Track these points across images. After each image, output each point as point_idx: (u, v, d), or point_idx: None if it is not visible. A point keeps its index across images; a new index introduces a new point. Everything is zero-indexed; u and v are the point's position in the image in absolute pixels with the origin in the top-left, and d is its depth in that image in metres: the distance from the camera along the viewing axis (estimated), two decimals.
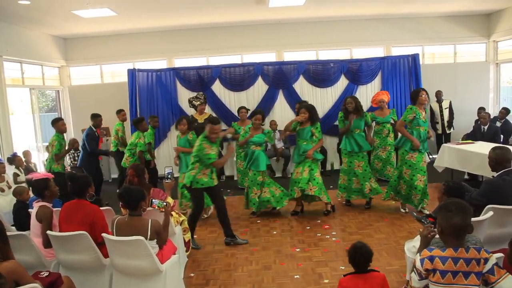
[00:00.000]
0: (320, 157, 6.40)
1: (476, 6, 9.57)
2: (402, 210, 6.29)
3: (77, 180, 3.92)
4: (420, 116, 5.88)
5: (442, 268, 2.32)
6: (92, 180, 4.03)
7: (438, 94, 9.66)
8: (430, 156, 9.50)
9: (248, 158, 6.49)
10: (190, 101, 8.60)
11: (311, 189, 6.09)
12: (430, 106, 9.69)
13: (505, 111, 8.76)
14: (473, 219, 2.47)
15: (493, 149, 4.03)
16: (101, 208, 4.10)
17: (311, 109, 6.22)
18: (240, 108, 8.14)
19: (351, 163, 6.50)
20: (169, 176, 4.69)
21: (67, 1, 7.08)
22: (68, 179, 3.99)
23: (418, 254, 2.46)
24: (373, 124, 7.75)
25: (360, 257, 2.89)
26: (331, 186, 7.70)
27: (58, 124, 6.87)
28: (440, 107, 9.68)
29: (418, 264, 2.40)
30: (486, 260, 2.32)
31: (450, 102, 9.69)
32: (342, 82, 9.72)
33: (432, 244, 2.64)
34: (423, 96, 5.87)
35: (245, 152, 6.69)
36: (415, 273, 2.47)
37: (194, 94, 9.18)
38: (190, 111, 9.17)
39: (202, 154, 5.10)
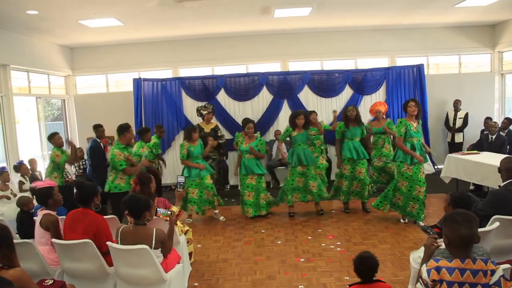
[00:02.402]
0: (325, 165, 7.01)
1: (481, 17, 9.60)
2: (402, 221, 6.29)
3: (84, 189, 3.92)
4: (410, 127, 5.92)
5: (449, 279, 2.30)
6: (98, 190, 4.03)
7: (456, 103, 9.80)
8: (436, 167, 9.48)
9: (244, 166, 6.90)
10: (198, 110, 8.61)
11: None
12: (447, 113, 9.98)
13: (508, 121, 8.72)
14: (479, 229, 2.45)
15: (502, 158, 4.03)
16: (105, 216, 4.11)
17: (306, 116, 6.89)
18: (249, 122, 7.22)
19: (353, 169, 6.75)
20: (181, 185, 4.61)
21: (74, 11, 7.15)
22: (75, 187, 4.00)
23: (425, 264, 2.45)
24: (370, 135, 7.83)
25: (366, 267, 2.87)
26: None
27: (54, 138, 6.87)
28: (455, 115, 9.79)
29: (424, 274, 2.38)
30: (493, 272, 2.30)
31: (467, 114, 9.75)
32: (347, 92, 9.74)
33: (439, 254, 2.62)
34: (412, 107, 5.93)
35: (242, 162, 6.98)
36: (421, 283, 2.44)
37: (200, 103, 9.20)
38: (195, 120, 9.20)
39: (114, 161, 5.64)
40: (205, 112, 8.40)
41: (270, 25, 9.32)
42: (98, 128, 7.94)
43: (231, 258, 5.28)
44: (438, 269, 2.33)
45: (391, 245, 5.39)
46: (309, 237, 5.86)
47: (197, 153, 6.79)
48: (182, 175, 5.82)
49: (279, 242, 5.76)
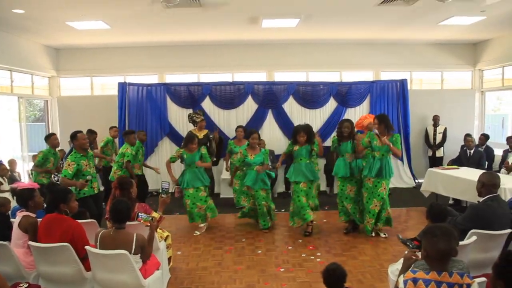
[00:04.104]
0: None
1: (463, 36, 9.83)
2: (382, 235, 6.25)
3: (53, 192, 3.86)
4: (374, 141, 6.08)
5: None
6: (69, 197, 3.89)
7: (435, 119, 10.06)
8: (416, 180, 9.61)
9: (252, 177, 6.48)
10: (190, 117, 8.56)
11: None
12: (426, 129, 10.23)
13: (484, 137, 8.97)
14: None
15: (483, 173, 4.08)
16: (85, 220, 4.05)
17: (308, 131, 6.37)
18: (238, 127, 8.18)
19: (343, 187, 6.41)
20: (165, 191, 4.46)
21: (62, 12, 7.10)
22: (47, 189, 3.91)
23: (402, 275, 2.47)
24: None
25: (334, 280, 2.99)
26: (326, 207, 7.76)
27: (51, 139, 6.89)
28: (435, 131, 10.04)
29: (401, 285, 2.41)
30: (469, 286, 2.33)
31: (446, 129, 10.03)
32: (331, 104, 9.83)
33: (416, 266, 2.65)
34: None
35: (244, 173, 6.71)
36: None
37: (185, 110, 9.19)
38: (180, 127, 9.16)
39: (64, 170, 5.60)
40: (199, 119, 8.39)
41: (258, 35, 9.37)
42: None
43: (210, 266, 5.24)
44: (415, 280, 2.36)
45: (371, 257, 5.42)
46: (289, 247, 5.86)
47: (190, 161, 6.56)
48: (167, 181, 5.69)
49: (259, 251, 5.74)
